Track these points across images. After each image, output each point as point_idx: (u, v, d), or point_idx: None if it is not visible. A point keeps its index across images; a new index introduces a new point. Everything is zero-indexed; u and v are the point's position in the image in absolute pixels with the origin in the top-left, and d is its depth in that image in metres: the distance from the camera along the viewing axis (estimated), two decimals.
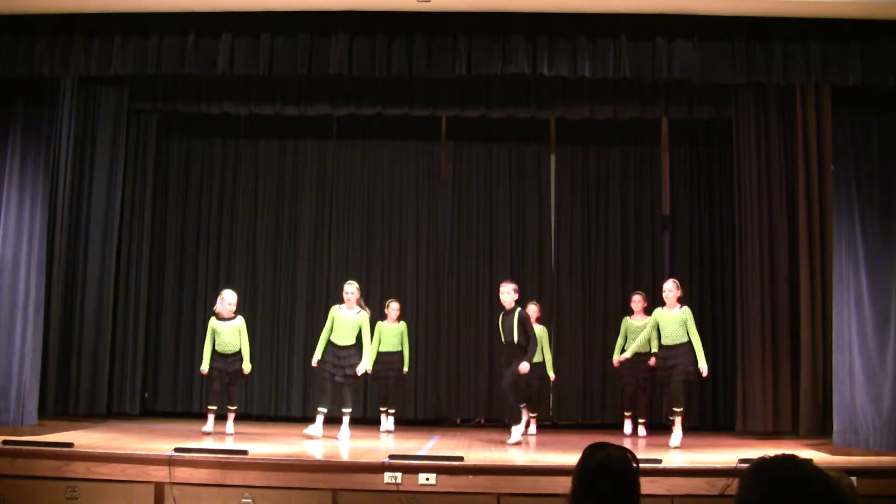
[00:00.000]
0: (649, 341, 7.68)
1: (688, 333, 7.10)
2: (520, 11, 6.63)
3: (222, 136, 9.54)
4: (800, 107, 8.22)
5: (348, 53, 6.71)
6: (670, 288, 7.26)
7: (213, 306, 7.79)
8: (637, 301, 8.18)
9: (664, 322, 7.21)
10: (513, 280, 7.61)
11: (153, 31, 6.75)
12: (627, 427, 8.11)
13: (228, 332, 7.61)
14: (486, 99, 9.01)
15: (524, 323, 7.15)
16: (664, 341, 7.23)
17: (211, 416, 7.55)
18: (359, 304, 7.52)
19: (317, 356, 7.46)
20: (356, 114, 9.12)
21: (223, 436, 7.29)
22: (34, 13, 6.74)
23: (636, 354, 7.81)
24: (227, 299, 7.66)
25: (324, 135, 9.52)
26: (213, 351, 7.61)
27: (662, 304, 7.34)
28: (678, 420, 7.03)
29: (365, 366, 7.47)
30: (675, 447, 6.87)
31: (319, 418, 7.34)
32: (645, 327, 7.84)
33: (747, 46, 6.63)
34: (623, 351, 8.07)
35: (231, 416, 7.61)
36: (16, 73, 6.87)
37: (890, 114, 6.93)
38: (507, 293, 7.22)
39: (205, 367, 7.59)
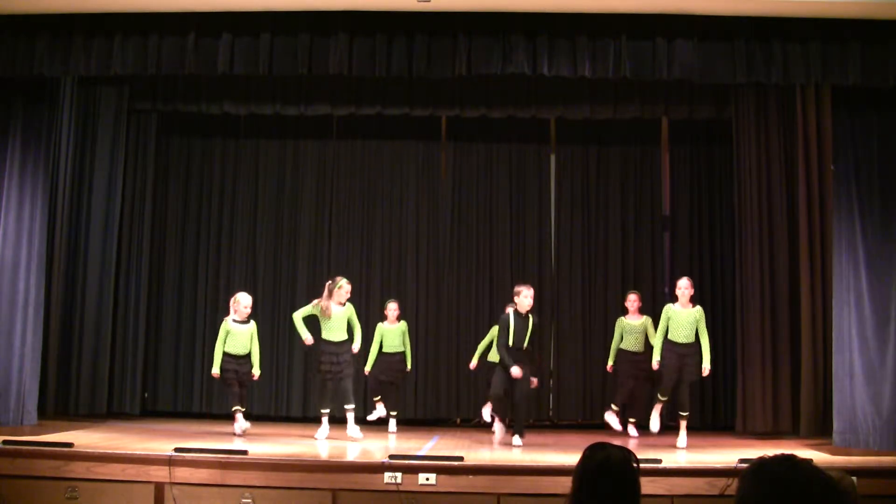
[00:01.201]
0: (646, 340, 7.72)
1: (698, 333, 7.12)
2: (520, 11, 6.63)
3: (222, 136, 9.54)
4: (800, 107, 8.22)
5: (348, 53, 6.71)
6: (686, 286, 7.25)
7: (230, 311, 7.63)
8: (633, 300, 8.05)
9: (676, 319, 7.19)
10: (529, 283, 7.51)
11: (153, 31, 6.75)
12: (622, 425, 8.01)
13: (243, 334, 7.54)
14: (486, 99, 9.01)
15: (536, 332, 7.17)
16: (673, 337, 7.19)
17: (240, 415, 7.43)
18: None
19: (306, 336, 7.40)
20: (356, 114, 9.12)
21: (226, 436, 7.28)
22: (34, 13, 6.75)
23: (632, 353, 7.84)
24: (243, 302, 7.59)
25: (324, 135, 9.51)
26: (224, 353, 7.49)
27: (673, 300, 7.35)
28: (683, 423, 7.12)
29: (359, 345, 7.48)
30: (683, 448, 6.94)
31: (325, 420, 7.30)
32: (640, 326, 7.84)
33: (747, 46, 6.63)
34: (619, 352, 8.02)
35: (240, 415, 7.51)
36: (16, 73, 6.87)
37: (890, 114, 6.93)
38: (529, 297, 7.12)
39: (216, 370, 7.46)
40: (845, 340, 6.78)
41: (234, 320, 7.56)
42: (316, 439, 7.15)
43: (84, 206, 8.77)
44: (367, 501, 5.50)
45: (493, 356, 7.62)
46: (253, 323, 7.66)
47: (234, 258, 9.38)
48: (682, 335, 7.15)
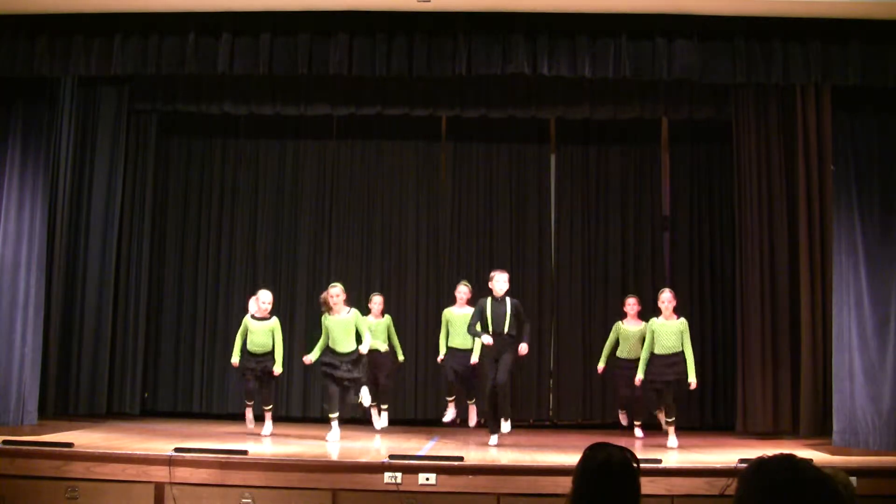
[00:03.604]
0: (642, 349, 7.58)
1: (682, 344, 7.18)
2: (520, 11, 6.64)
3: (222, 136, 9.54)
4: (800, 107, 8.22)
5: (348, 53, 6.71)
6: (669, 298, 7.28)
7: (248, 306, 7.68)
8: (632, 304, 7.82)
9: (661, 332, 7.24)
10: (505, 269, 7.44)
11: (153, 31, 6.75)
12: (624, 419, 7.93)
13: (262, 332, 7.55)
14: (486, 99, 9.01)
15: (520, 312, 7.05)
16: (658, 350, 7.24)
17: (249, 412, 7.57)
18: (345, 304, 7.38)
19: (314, 356, 7.32)
20: (356, 114, 9.12)
21: (226, 436, 7.28)
22: (34, 13, 6.75)
23: (627, 361, 7.66)
24: (263, 298, 7.58)
25: (324, 135, 9.51)
26: (245, 349, 7.54)
27: (657, 311, 7.34)
28: (672, 429, 7.15)
29: (366, 349, 7.28)
30: (674, 447, 6.98)
31: (335, 424, 7.18)
32: (638, 334, 7.62)
33: (747, 46, 6.63)
34: (612, 357, 7.83)
35: (268, 415, 7.57)
36: (16, 73, 6.87)
37: (890, 114, 6.93)
38: (504, 282, 7.09)
39: (235, 359, 7.52)
40: (845, 340, 6.78)
41: (254, 317, 7.56)
42: (327, 441, 7.08)
43: (84, 206, 8.77)
44: (367, 501, 5.51)
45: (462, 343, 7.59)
46: (274, 319, 7.64)
47: (234, 258, 9.38)
48: (667, 346, 7.21)
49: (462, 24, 6.68)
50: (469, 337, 7.36)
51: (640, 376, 7.33)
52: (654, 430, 7.77)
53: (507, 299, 7.09)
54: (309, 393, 9.02)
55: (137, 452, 5.79)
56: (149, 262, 9.13)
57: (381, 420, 8.04)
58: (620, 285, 9.01)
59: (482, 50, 6.68)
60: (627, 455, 2.44)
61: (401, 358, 8.25)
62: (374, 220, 9.40)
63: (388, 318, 8.20)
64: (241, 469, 5.62)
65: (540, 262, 9.29)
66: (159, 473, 5.59)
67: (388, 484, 5.47)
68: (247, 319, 7.58)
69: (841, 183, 7.01)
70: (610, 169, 9.36)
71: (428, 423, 8.93)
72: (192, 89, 9.03)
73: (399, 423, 8.37)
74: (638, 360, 7.51)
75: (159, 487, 5.58)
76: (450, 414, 7.89)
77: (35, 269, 7.20)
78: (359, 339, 7.32)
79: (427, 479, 5.47)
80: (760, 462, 1.97)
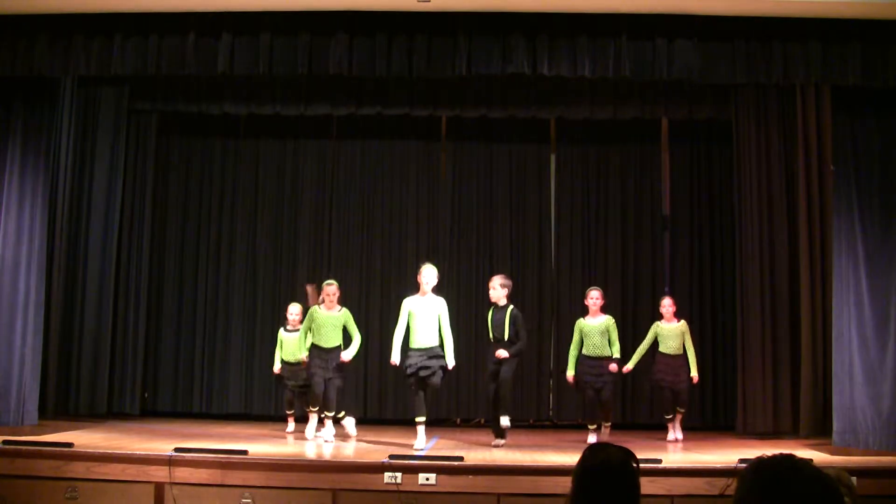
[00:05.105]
0: (609, 345, 7.38)
1: (684, 345, 7.62)
2: (520, 11, 6.64)
3: (222, 136, 9.54)
4: (800, 107, 8.22)
5: (348, 53, 6.72)
6: (669, 304, 7.74)
7: (286, 320, 7.95)
8: (595, 298, 7.45)
9: (664, 334, 7.65)
10: (505, 276, 7.34)
11: (153, 31, 6.75)
12: (591, 437, 7.09)
13: (294, 342, 7.70)
14: (486, 99, 9.01)
15: (516, 322, 6.97)
16: (663, 350, 7.64)
17: (291, 420, 7.82)
18: (339, 303, 7.42)
19: (303, 353, 7.36)
20: (356, 114, 9.13)
21: (226, 436, 7.28)
22: (34, 13, 6.75)
23: (592, 359, 7.36)
24: (290, 311, 7.91)
25: (324, 135, 9.52)
26: (282, 360, 7.83)
27: (657, 315, 7.76)
28: (679, 418, 7.65)
29: (351, 355, 7.27)
30: (680, 439, 7.44)
31: (313, 418, 7.32)
32: (600, 329, 7.39)
33: (747, 46, 6.64)
34: (578, 359, 7.41)
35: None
36: (16, 73, 6.87)
37: (890, 114, 6.93)
38: (494, 288, 7.11)
39: (276, 367, 7.85)
40: (845, 340, 6.78)
41: (287, 329, 7.85)
42: (307, 439, 7.13)
43: (84, 206, 8.77)
44: (367, 501, 5.51)
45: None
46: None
47: (234, 258, 9.38)
48: (671, 347, 7.63)
49: (462, 24, 6.68)
50: (437, 334, 6.91)
51: (630, 366, 7.67)
52: (651, 429, 7.78)
53: (509, 308, 7.04)
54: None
55: (137, 452, 5.79)
56: (149, 262, 9.13)
57: (349, 426, 7.57)
58: (620, 285, 9.03)
59: (482, 50, 6.69)
60: (627, 455, 2.44)
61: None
62: (374, 219, 9.40)
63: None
64: (241, 469, 5.62)
65: (540, 262, 9.30)
66: (159, 473, 5.59)
67: (388, 484, 5.47)
68: (280, 333, 7.87)
69: (841, 183, 7.01)
70: (610, 169, 9.36)
71: (428, 423, 8.90)
72: (192, 89, 9.04)
73: (399, 423, 8.36)
74: (601, 357, 7.36)
75: (159, 487, 5.58)
76: (422, 439, 6.88)
77: (35, 269, 7.20)
78: (346, 338, 7.37)
79: (427, 479, 5.47)
80: (760, 462, 1.97)
